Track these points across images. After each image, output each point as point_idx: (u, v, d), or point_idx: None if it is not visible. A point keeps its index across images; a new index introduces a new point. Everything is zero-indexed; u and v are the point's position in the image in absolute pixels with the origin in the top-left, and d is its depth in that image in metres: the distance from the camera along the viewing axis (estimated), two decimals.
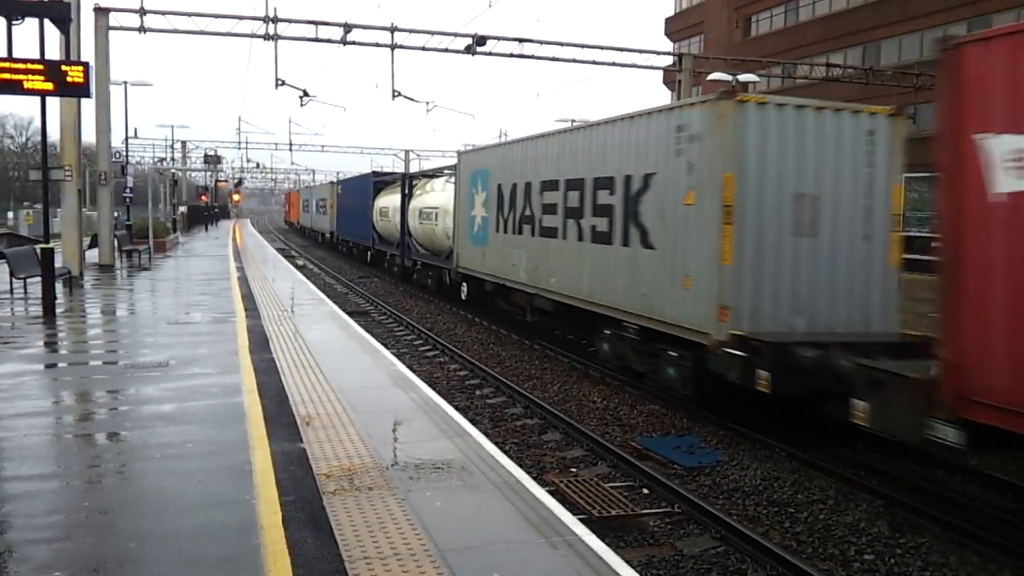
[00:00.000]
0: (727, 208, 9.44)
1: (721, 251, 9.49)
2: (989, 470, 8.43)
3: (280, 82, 25.12)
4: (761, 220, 9.62)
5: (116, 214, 28.88)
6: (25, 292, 16.59)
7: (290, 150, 60.46)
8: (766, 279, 9.66)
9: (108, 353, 11.21)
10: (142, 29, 22.81)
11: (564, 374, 13.59)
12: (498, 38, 25.79)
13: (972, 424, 6.34)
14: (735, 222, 9.46)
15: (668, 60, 30.66)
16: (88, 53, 21.50)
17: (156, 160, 64.99)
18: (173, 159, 60.03)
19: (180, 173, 58.58)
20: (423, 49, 25.61)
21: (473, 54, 25.60)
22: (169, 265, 26.48)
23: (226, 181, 78.42)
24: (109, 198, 24.13)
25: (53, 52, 15.84)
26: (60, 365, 10.34)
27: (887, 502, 7.72)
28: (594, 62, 27.63)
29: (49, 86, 12.76)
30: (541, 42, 26.59)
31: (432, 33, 25.47)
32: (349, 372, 9.77)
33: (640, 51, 28.12)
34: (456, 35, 25.60)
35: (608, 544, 5.11)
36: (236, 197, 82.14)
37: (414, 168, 54.25)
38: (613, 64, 27.88)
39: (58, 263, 17.17)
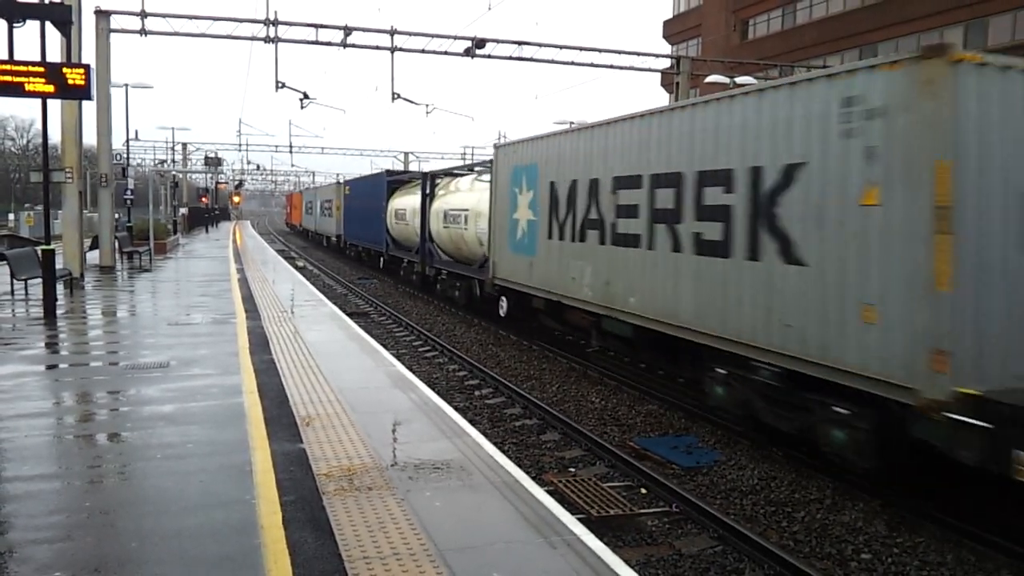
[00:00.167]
0: (941, 211, 6.81)
1: (933, 272, 6.85)
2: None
3: (280, 84, 25.16)
4: (985, 228, 7.00)
5: (117, 216, 28.90)
6: (26, 293, 16.63)
7: (290, 152, 60.51)
8: (995, 311, 6.99)
9: (109, 354, 11.24)
10: (143, 32, 22.84)
11: (563, 374, 13.62)
12: (497, 41, 25.82)
13: None
14: (953, 231, 6.82)
15: (666, 63, 30.70)
16: (89, 55, 21.55)
17: (157, 162, 65.07)
18: (174, 161, 60.10)
19: (181, 175, 58.61)
20: (423, 52, 25.63)
21: (472, 57, 25.63)
22: (170, 267, 26.51)
23: (226, 183, 78.55)
24: (110, 200, 24.16)
25: (54, 54, 15.88)
26: (61, 366, 10.37)
27: (884, 501, 7.75)
28: (592, 65, 27.65)
29: (50, 88, 12.79)
30: (540, 45, 26.63)
31: (432, 36, 25.51)
32: (349, 373, 9.80)
33: (638, 54, 28.17)
34: (455, 38, 25.64)
35: (606, 543, 5.15)
36: (236, 199, 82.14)
37: (413, 169, 53.70)
38: (611, 67, 27.92)
39: (59, 264, 17.22)
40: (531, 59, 26.72)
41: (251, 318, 14.22)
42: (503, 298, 17.39)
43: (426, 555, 4.68)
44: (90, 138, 23.63)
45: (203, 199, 64.38)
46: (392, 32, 24.90)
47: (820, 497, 7.99)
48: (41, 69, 12.72)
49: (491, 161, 18.10)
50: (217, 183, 73.75)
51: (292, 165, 76.08)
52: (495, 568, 4.58)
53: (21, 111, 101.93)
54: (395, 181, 29.41)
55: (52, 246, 14.58)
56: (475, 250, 19.48)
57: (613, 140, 12.30)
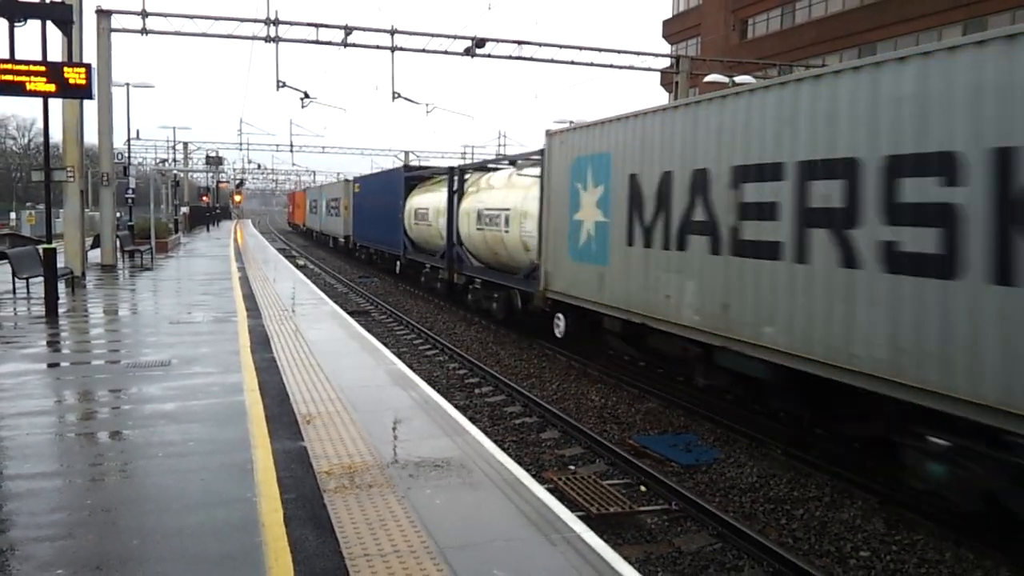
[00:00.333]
0: None
1: None
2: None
3: (281, 84, 25.20)
4: None
5: (118, 215, 28.90)
6: (28, 292, 16.67)
7: (291, 151, 60.47)
8: None
9: (110, 352, 11.27)
10: (144, 31, 22.87)
11: (562, 373, 13.64)
12: (497, 40, 25.87)
13: None
14: None
15: (665, 62, 30.75)
16: (90, 55, 21.61)
17: (158, 161, 65.11)
18: (175, 160, 60.11)
19: (182, 174, 58.64)
20: (423, 51, 25.67)
21: (472, 56, 25.66)
22: (171, 265, 26.53)
23: (227, 182, 78.56)
24: (111, 199, 24.19)
25: (55, 54, 15.91)
26: (63, 364, 10.39)
27: (882, 499, 7.77)
28: (592, 64, 27.71)
29: (51, 88, 12.82)
30: (540, 44, 26.69)
31: (432, 35, 25.54)
32: (350, 371, 9.82)
33: (638, 53, 28.21)
34: (455, 37, 25.67)
35: (606, 541, 5.16)
36: (237, 198, 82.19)
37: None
38: (611, 66, 27.99)
39: (60, 263, 17.25)
40: (531, 58, 26.78)
41: (252, 316, 14.25)
42: (560, 316, 14.19)
43: (427, 552, 4.70)
44: (91, 137, 23.69)
45: (204, 198, 64.40)
46: (392, 32, 24.94)
47: (819, 495, 8.01)
48: (42, 68, 12.75)
49: (537, 152, 15.51)
50: (218, 182, 73.81)
51: (293, 164, 76.06)
52: (495, 565, 4.60)
53: (22, 110, 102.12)
54: (414, 177, 26.20)
55: (53, 245, 14.60)
56: (518, 257, 16.65)
57: (732, 118, 9.40)
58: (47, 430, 7.22)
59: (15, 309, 15.02)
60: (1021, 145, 6.19)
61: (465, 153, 69.05)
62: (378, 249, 31.39)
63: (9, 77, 12.55)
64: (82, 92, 13.29)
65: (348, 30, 24.49)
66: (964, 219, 6.61)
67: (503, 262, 17.89)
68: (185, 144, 63.97)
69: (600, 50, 27.64)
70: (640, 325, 11.34)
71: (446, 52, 25.86)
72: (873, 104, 7.49)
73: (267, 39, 23.88)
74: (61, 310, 14.50)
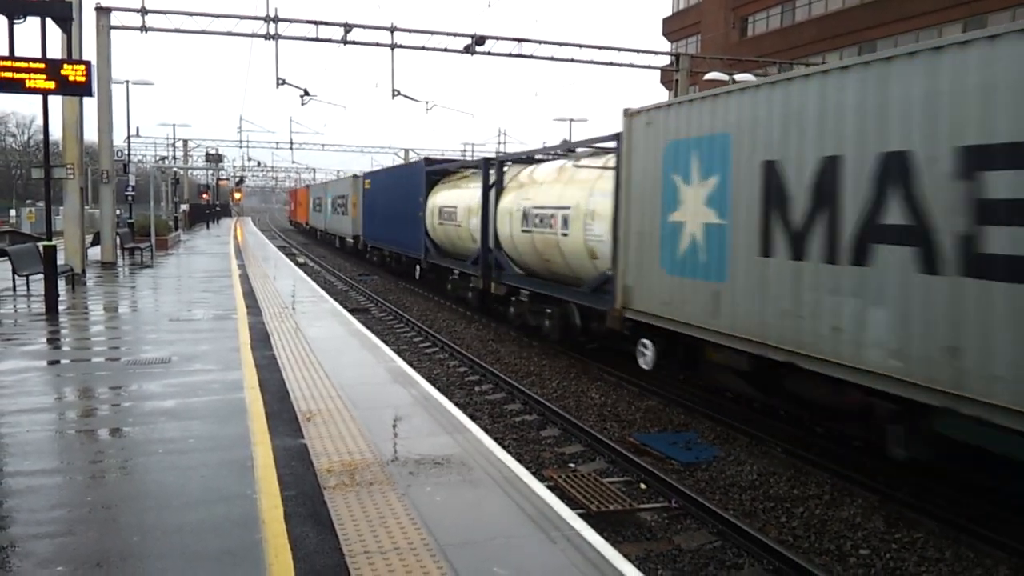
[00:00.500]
0: None
1: None
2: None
3: (281, 81, 25.20)
4: None
5: (118, 212, 28.93)
6: (28, 289, 16.67)
7: (291, 149, 60.47)
8: None
9: (110, 349, 11.27)
10: (144, 28, 22.86)
11: (563, 371, 13.64)
12: (497, 38, 25.87)
13: None
14: None
15: (665, 60, 30.78)
16: (90, 52, 21.60)
17: (158, 158, 65.12)
18: (175, 157, 60.09)
19: (182, 171, 58.63)
20: (423, 49, 25.67)
21: (472, 54, 25.66)
22: (171, 263, 26.54)
23: (227, 179, 78.51)
24: (111, 196, 24.19)
25: (55, 51, 15.89)
26: (63, 361, 10.40)
27: (882, 497, 7.77)
28: (592, 62, 27.73)
29: (51, 85, 12.82)
30: (540, 42, 26.71)
31: (432, 33, 25.54)
32: (350, 368, 9.82)
33: (638, 51, 28.22)
34: (455, 35, 25.68)
35: (606, 539, 5.16)
36: (237, 195, 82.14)
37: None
38: (611, 64, 28.00)
39: (60, 260, 17.25)
40: (531, 56, 26.78)
41: (252, 314, 14.25)
42: (646, 343, 11.27)
43: (427, 550, 4.70)
44: (91, 134, 23.70)
45: (204, 195, 64.42)
46: (392, 29, 24.93)
47: (819, 493, 8.02)
48: (42, 65, 12.75)
49: (609, 137, 12.76)
50: (218, 179, 73.77)
51: (293, 161, 76.13)
52: (495, 562, 4.60)
53: (22, 107, 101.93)
54: (437, 171, 23.23)
55: (53, 242, 14.61)
56: (580, 266, 13.75)
57: (959, 78, 6.60)
58: (47, 427, 7.22)
59: (15, 306, 15.02)
60: None
61: (465, 151, 69.01)
62: (393, 252, 28.42)
63: (9, 74, 12.54)
64: (82, 89, 13.28)
65: (348, 27, 24.49)
66: None
67: (557, 271, 14.85)
68: (185, 141, 63.99)
69: (600, 48, 27.66)
70: (784, 364, 8.49)
71: (446, 50, 25.87)
72: None
73: (267, 36, 23.87)
74: (61, 307, 14.50)
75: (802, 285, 8.25)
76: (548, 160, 16.81)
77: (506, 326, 17.62)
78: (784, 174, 8.56)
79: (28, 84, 12.66)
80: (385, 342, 12.92)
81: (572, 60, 27.49)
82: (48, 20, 13.24)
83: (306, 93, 26.71)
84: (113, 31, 22.68)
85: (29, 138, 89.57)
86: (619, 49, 27.87)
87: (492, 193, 17.51)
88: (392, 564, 4.51)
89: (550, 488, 6.55)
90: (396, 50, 25.12)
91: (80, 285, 18.68)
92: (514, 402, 11.66)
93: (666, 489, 7.92)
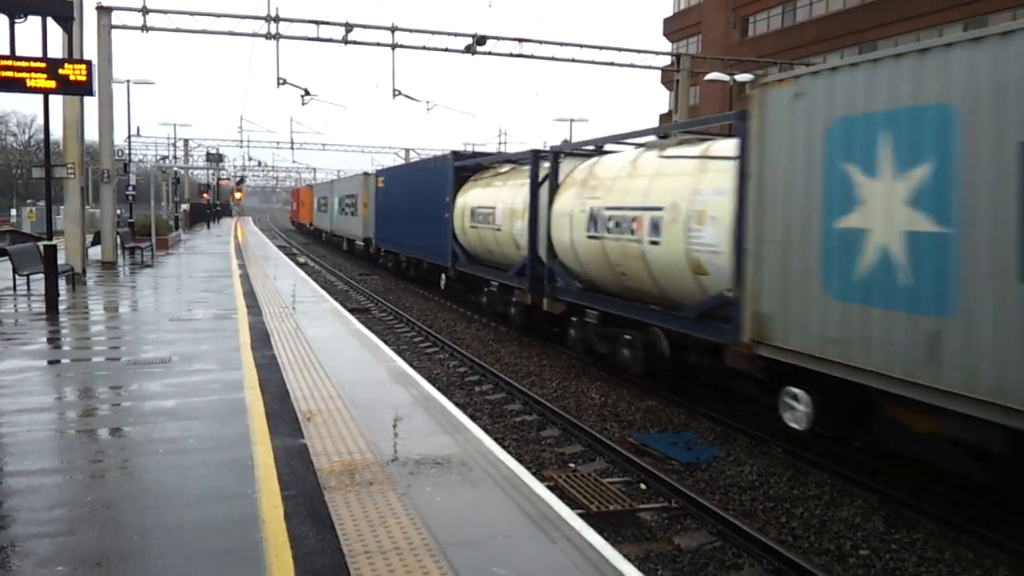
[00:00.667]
0: None
1: None
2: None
3: (282, 81, 25.21)
4: None
5: (119, 211, 28.93)
6: (28, 289, 16.68)
7: (291, 148, 60.52)
8: None
9: (111, 349, 11.28)
10: (144, 28, 22.88)
11: (563, 371, 13.64)
12: (498, 38, 25.88)
13: None
14: None
15: (666, 60, 30.79)
16: (91, 51, 21.61)
17: (159, 158, 65.14)
18: (175, 157, 60.14)
19: (182, 171, 58.65)
20: (423, 49, 25.68)
21: (473, 54, 25.67)
22: (171, 262, 26.54)
23: (228, 179, 78.56)
24: (112, 196, 24.20)
25: (56, 50, 15.90)
26: (63, 361, 10.40)
27: (882, 497, 7.77)
28: (593, 62, 27.76)
29: (52, 84, 12.82)
30: (540, 42, 26.73)
31: (433, 33, 25.55)
32: (350, 368, 9.83)
33: (638, 51, 28.25)
34: (456, 35, 25.70)
35: (606, 539, 5.16)
36: (238, 195, 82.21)
37: None
38: (612, 64, 28.02)
39: (61, 260, 17.26)
40: (532, 56, 26.79)
41: (252, 314, 14.25)
42: (796, 392, 8.66)
43: (427, 549, 4.71)
44: (92, 134, 23.73)
45: (204, 195, 64.46)
46: (393, 29, 24.94)
47: (819, 493, 8.02)
48: (43, 65, 12.75)
49: (731, 116, 10.19)
50: (219, 179, 73.82)
51: (293, 161, 76.17)
52: (495, 562, 4.60)
53: (23, 107, 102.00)
54: (468, 167, 20.43)
55: (54, 242, 14.62)
56: (677, 283, 10.81)
57: None
58: (48, 426, 7.23)
59: (15, 306, 15.03)
60: None
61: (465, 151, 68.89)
62: (412, 257, 25.62)
63: (10, 73, 12.55)
64: (82, 89, 13.29)
65: (349, 27, 24.50)
66: None
67: (638, 287, 11.96)
68: (186, 141, 64.04)
69: (601, 48, 27.69)
70: None
71: (447, 49, 25.88)
72: None
73: (268, 36, 23.89)
74: (61, 307, 14.50)
75: None
76: (619, 150, 14.00)
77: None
78: None
79: (29, 83, 12.66)
80: (385, 342, 12.92)
81: (573, 60, 27.52)
82: (49, 19, 13.25)
83: (307, 93, 26.73)
84: (114, 30, 22.69)
85: (30, 137, 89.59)
86: (620, 49, 27.90)
87: (543, 191, 14.88)
88: (392, 564, 4.51)
89: (550, 488, 6.55)
90: (397, 50, 25.14)
91: (80, 285, 18.69)
92: (514, 402, 11.66)
93: (666, 489, 7.92)
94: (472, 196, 19.10)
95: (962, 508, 7.41)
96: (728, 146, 10.12)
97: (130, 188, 33.34)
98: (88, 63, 13.19)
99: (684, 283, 10.68)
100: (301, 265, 30.70)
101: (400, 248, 27.05)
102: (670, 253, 10.74)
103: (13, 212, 62.87)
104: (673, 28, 54.07)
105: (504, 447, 7.70)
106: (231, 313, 14.39)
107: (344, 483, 5.75)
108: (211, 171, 68.80)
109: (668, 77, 36.60)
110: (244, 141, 63.53)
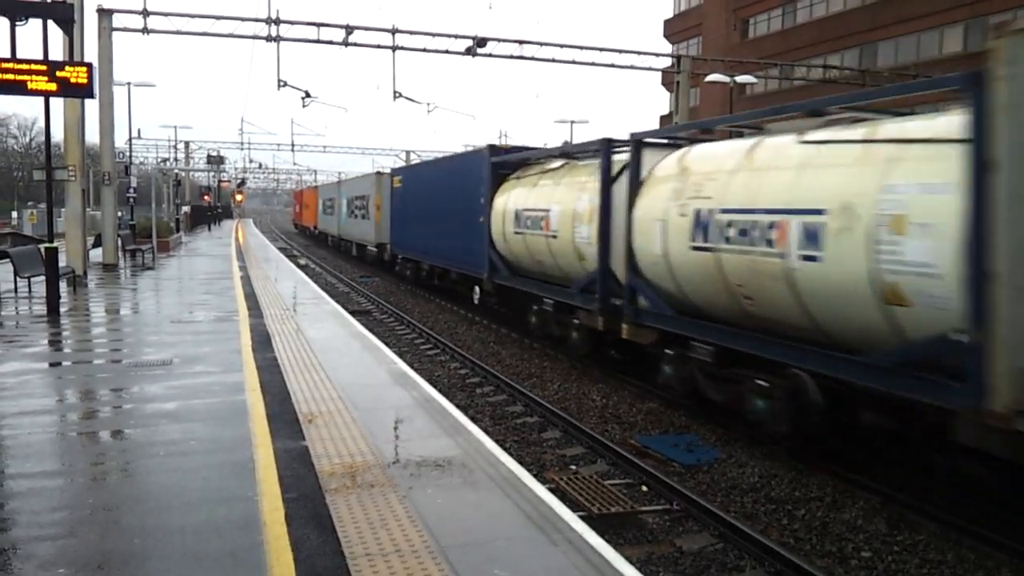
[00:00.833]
0: None
1: None
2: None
3: (282, 83, 25.24)
4: None
5: (120, 214, 28.97)
6: (29, 291, 16.68)
7: (292, 150, 60.60)
8: None
9: (112, 352, 11.28)
10: (145, 30, 22.90)
11: (564, 373, 13.63)
12: (498, 40, 25.89)
13: None
14: None
15: (667, 62, 30.76)
16: (91, 54, 21.62)
17: (159, 160, 65.13)
18: (176, 159, 60.15)
19: (183, 173, 58.69)
20: (424, 51, 25.69)
21: (473, 55, 25.68)
22: (172, 265, 26.56)
23: (229, 181, 78.62)
24: (113, 198, 24.22)
25: (56, 53, 15.91)
26: (64, 363, 10.41)
27: (884, 499, 7.76)
28: (593, 63, 27.74)
29: (53, 87, 12.84)
30: (541, 44, 26.75)
31: (433, 35, 25.58)
32: (351, 370, 9.82)
33: (639, 53, 28.23)
34: (457, 37, 25.70)
35: (607, 541, 5.15)
36: (239, 197, 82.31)
37: None
38: (612, 66, 28.02)
39: (62, 262, 17.26)
40: (532, 58, 26.81)
41: (253, 316, 14.25)
42: None
43: (428, 552, 4.70)
44: (93, 136, 23.75)
45: (205, 197, 64.46)
46: (394, 31, 24.96)
47: (820, 495, 8.00)
48: (44, 67, 12.77)
49: (925, 84, 8.15)
50: (219, 181, 73.88)
51: (294, 163, 76.14)
52: (496, 565, 4.60)
53: (24, 109, 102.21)
54: (509, 163, 17.60)
55: (55, 244, 14.64)
56: (844, 315, 7.92)
57: None
58: (49, 429, 7.23)
59: (17, 308, 15.04)
60: None
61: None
62: (437, 266, 22.79)
63: (11, 76, 12.56)
64: (83, 91, 13.31)
65: (349, 29, 24.51)
66: None
67: (771, 316, 9.02)
68: (186, 143, 64.03)
69: (601, 50, 27.67)
70: None
71: (447, 51, 25.89)
72: None
73: (268, 38, 23.91)
74: (63, 309, 14.51)
75: None
76: (715, 138, 11.81)
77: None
78: None
79: (30, 86, 12.68)
80: (386, 344, 12.92)
81: (573, 62, 27.52)
82: (50, 22, 13.28)
83: (307, 95, 26.77)
84: (115, 33, 22.72)
85: (31, 140, 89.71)
86: (620, 51, 27.88)
87: (617, 189, 12.22)
88: (393, 566, 4.51)
89: (551, 490, 6.54)
90: (397, 52, 25.16)
91: (81, 287, 18.69)
92: (515, 404, 11.65)
93: (668, 491, 7.91)
94: (516, 197, 16.40)
95: (964, 509, 7.40)
96: (937, 125, 7.34)
97: (131, 190, 33.38)
98: (89, 66, 13.20)
99: (862, 315, 7.62)
100: (302, 267, 30.69)
101: (422, 255, 24.31)
102: (840, 273, 7.70)
103: (14, 214, 63.00)
104: (673, 30, 54.11)
105: (505, 449, 7.69)
106: (232, 315, 14.39)
107: (345, 485, 5.75)
108: (212, 173, 68.89)
109: (668, 79, 36.64)
110: (245, 143, 63.55)
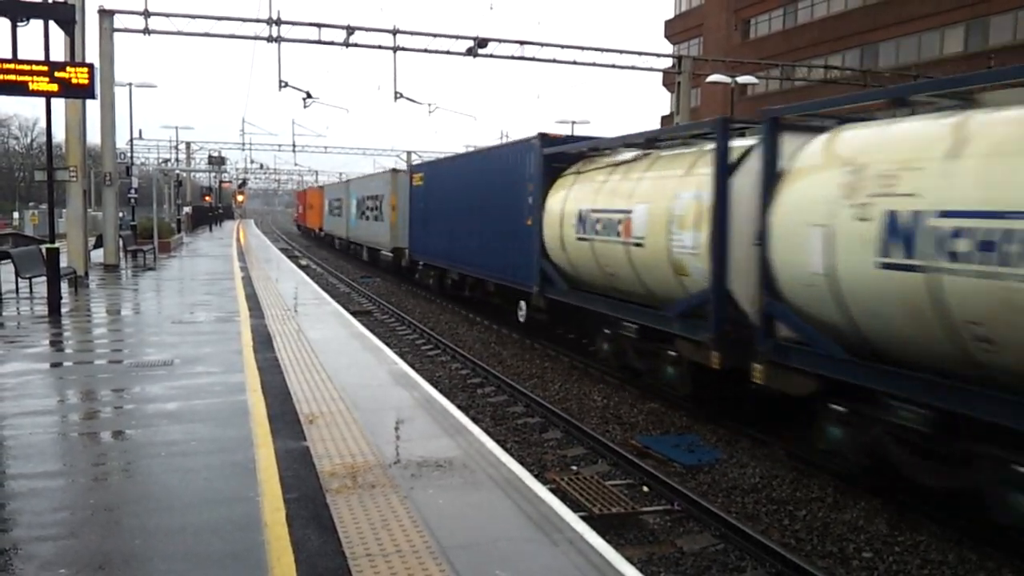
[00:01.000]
0: None
1: None
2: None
3: (283, 84, 25.27)
4: None
5: (121, 214, 28.97)
6: (31, 292, 16.69)
7: (293, 151, 60.63)
8: None
9: (113, 352, 11.29)
10: (146, 31, 22.92)
11: (565, 373, 13.63)
12: (499, 40, 25.91)
13: None
14: None
15: (668, 62, 30.76)
16: (93, 54, 21.64)
17: (161, 161, 65.20)
18: (177, 160, 60.20)
19: (184, 174, 58.72)
20: (425, 51, 25.72)
21: (474, 56, 25.69)
22: (173, 265, 26.56)
23: (230, 182, 78.69)
24: (114, 198, 24.24)
25: (58, 54, 15.94)
26: (65, 364, 10.41)
27: (885, 500, 7.75)
28: (594, 64, 27.75)
29: (54, 88, 12.84)
30: (542, 44, 26.75)
31: (434, 35, 25.60)
32: (352, 370, 9.83)
33: (640, 53, 28.24)
34: (458, 37, 25.72)
35: (608, 541, 5.15)
36: (240, 198, 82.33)
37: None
38: (613, 66, 28.03)
39: (63, 263, 17.27)
40: (533, 59, 26.83)
41: (255, 316, 14.26)
42: None
43: (429, 552, 4.70)
44: (94, 137, 23.76)
45: (206, 198, 64.48)
46: (395, 32, 24.98)
47: (822, 496, 8.00)
48: (45, 68, 12.77)
49: None
50: (221, 182, 73.94)
51: (295, 164, 76.22)
52: (497, 565, 4.59)
53: (25, 110, 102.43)
54: (566, 155, 14.73)
55: (56, 245, 14.66)
56: None
57: None
58: (50, 429, 7.23)
59: (18, 309, 15.04)
60: None
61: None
62: (469, 276, 19.74)
63: (12, 77, 12.57)
64: (85, 92, 13.31)
65: (350, 30, 24.53)
66: None
67: None
68: (188, 144, 64.10)
69: (602, 50, 27.69)
70: None
71: (448, 52, 25.91)
72: None
73: (269, 39, 23.92)
74: (64, 310, 14.51)
75: None
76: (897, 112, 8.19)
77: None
78: None
79: (31, 87, 12.68)
80: (387, 344, 12.92)
81: (574, 62, 27.52)
82: (51, 23, 13.28)
83: (309, 96, 26.80)
84: (116, 33, 22.74)
85: (32, 140, 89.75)
86: (621, 51, 27.89)
87: (739, 183, 9.42)
88: (394, 566, 4.51)
89: (552, 491, 6.54)
90: (398, 53, 25.17)
91: (83, 288, 18.70)
92: (516, 405, 11.65)
93: (669, 492, 7.91)
94: (577, 195, 13.58)
95: (965, 510, 7.39)
96: None
97: (132, 191, 33.38)
98: (90, 66, 13.21)
99: None
100: (303, 268, 30.70)
101: (449, 263, 21.28)
102: None
103: (16, 215, 63.04)
104: (674, 30, 54.09)
105: (506, 449, 7.70)
106: (233, 316, 14.39)
107: (346, 486, 5.75)
108: (213, 174, 68.93)
109: (669, 79, 36.66)
110: (246, 144, 63.61)
